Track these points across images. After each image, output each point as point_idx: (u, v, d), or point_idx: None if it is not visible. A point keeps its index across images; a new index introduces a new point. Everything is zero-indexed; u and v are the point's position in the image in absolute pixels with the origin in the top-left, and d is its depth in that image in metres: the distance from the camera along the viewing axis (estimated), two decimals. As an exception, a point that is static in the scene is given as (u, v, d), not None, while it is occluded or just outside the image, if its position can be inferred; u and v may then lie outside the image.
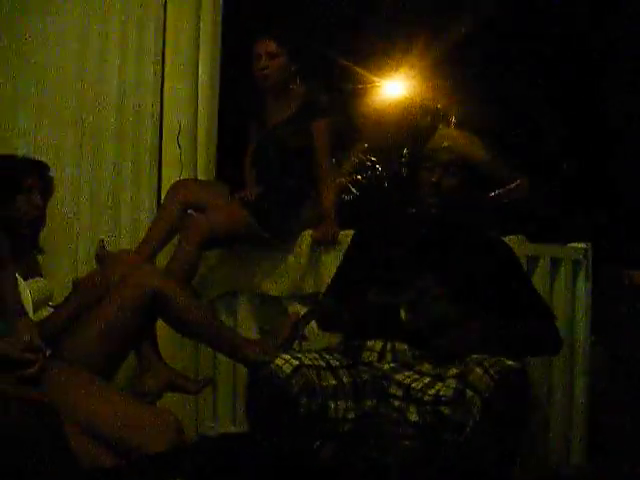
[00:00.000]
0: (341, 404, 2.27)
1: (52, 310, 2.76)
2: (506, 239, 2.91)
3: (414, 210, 2.50)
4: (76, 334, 2.58)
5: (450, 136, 2.63)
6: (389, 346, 2.40)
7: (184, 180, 3.56)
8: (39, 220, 2.85)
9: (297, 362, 2.25)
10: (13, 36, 3.25)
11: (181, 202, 3.41)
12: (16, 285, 2.47)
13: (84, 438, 2.07)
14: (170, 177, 3.69)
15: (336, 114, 3.66)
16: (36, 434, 1.58)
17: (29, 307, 2.56)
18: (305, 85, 3.57)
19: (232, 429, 3.38)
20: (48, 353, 2.43)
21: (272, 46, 3.48)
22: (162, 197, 3.69)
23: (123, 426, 2.20)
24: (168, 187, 3.63)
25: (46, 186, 2.86)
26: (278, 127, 3.52)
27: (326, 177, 3.50)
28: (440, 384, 2.23)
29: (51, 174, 2.91)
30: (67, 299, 2.79)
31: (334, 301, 2.59)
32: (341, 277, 2.69)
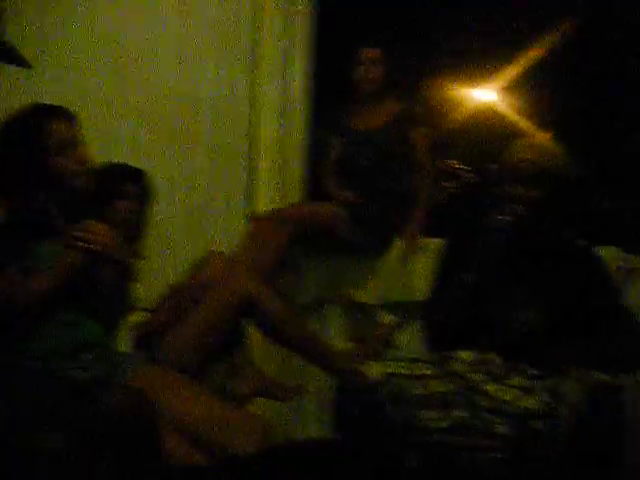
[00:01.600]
0: (430, 414, 2.25)
1: (146, 314, 2.83)
2: (602, 250, 2.84)
3: (500, 219, 2.45)
4: (169, 337, 2.64)
5: (531, 147, 2.52)
6: (479, 357, 2.37)
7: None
8: (136, 225, 2.92)
9: (385, 370, 2.25)
10: (115, 47, 3.35)
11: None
12: None
13: (176, 436, 2.12)
14: (261, 184, 3.75)
15: (430, 123, 3.70)
16: (132, 422, 1.62)
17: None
18: (400, 95, 3.63)
19: (320, 435, 3.40)
20: (142, 356, 2.50)
21: (376, 54, 3.57)
22: (254, 202, 3.75)
23: (213, 427, 2.24)
24: (260, 194, 3.68)
25: (144, 193, 2.94)
26: (373, 133, 3.56)
27: (426, 184, 3.53)
28: (530, 397, 2.20)
29: (149, 181, 2.98)
30: (162, 303, 2.85)
31: (439, 319, 2.56)
32: (438, 288, 2.67)
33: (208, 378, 2.72)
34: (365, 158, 3.56)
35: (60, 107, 2.33)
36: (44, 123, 2.26)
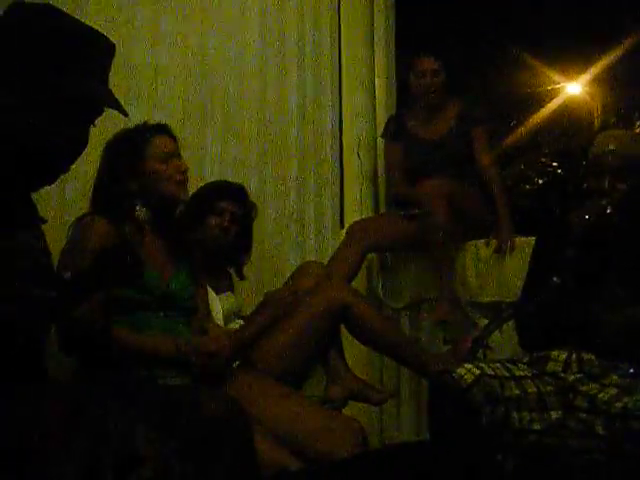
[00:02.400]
0: (525, 415, 2.22)
1: (242, 323, 2.88)
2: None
3: (587, 215, 2.39)
4: (266, 344, 2.69)
5: (616, 137, 2.46)
6: (574, 356, 2.32)
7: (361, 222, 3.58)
8: (233, 242, 2.92)
9: (479, 371, 2.22)
10: (200, 62, 3.42)
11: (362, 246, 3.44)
12: (206, 297, 2.60)
13: (271, 443, 2.15)
14: (352, 189, 3.76)
15: (493, 122, 3.66)
16: (225, 431, 1.66)
17: (220, 320, 2.69)
18: (461, 98, 3.64)
19: (415, 438, 3.39)
20: (237, 363, 2.55)
21: (435, 64, 3.57)
22: (344, 209, 3.77)
23: (309, 432, 2.27)
24: (350, 200, 3.70)
25: (243, 211, 2.94)
26: (441, 140, 3.57)
27: (495, 181, 3.50)
28: (628, 397, 2.14)
29: (249, 200, 2.99)
30: (257, 311, 2.90)
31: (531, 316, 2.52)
32: (529, 287, 2.63)
33: (304, 383, 2.76)
34: (437, 166, 3.53)
35: (165, 125, 2.51)
36: (148, 135, 2.44)
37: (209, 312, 2.60)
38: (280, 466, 2.11)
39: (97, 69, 1.60)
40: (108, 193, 2.38)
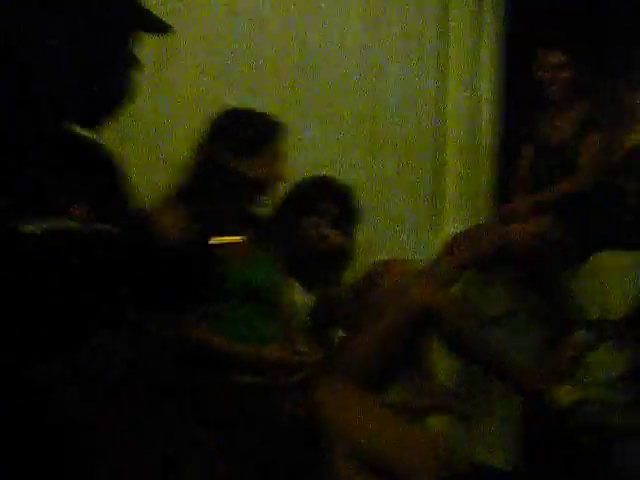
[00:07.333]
0: (628, 446, 2.07)
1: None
2: None
3: None
4: (349, 345, 2.59)
5: None
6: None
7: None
8: (336, 250, 2.68)
9: (580, 394, 2.08)
10: (302, 51, 3.37)
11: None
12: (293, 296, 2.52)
13: (351, 461, 2.06)
14: (449, 190, 3.69)
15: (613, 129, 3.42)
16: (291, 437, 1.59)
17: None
18: (590, 99, 3.42)
19: (505, 461, 3.23)
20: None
21: (559, 57, 3.36)
22: (443, 211, 3.67)
23: (393, 450, 2.18)
24: (447, 200, 3.62)
25: (344, 214, 2.66)
26: (564, 146, 3.39)
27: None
28: None
29: (352, 201, 2.69)
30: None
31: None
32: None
33: (387, 391, 2.65)
34: (559, 174, 3.36)
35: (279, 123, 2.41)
36: (252, 128, 2.35)
37: (296, 313, 2.50)
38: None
39: None
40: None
